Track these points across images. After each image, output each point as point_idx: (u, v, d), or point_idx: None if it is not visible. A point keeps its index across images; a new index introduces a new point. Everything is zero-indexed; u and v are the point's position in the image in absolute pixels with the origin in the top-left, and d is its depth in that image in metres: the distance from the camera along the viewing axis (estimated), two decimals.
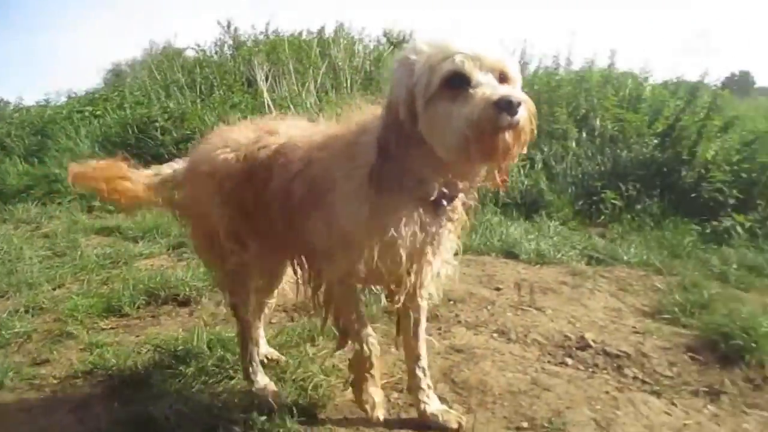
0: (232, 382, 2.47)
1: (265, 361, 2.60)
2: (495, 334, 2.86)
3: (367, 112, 1.90)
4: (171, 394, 2.39)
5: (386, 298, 2.17)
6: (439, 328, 2.90)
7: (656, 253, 4.21)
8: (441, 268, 1.95)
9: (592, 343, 2.74)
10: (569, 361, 2.64)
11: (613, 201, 5.29)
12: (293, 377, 2.48)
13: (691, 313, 3.08)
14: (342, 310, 2.02)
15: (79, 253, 4.61)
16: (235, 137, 2.18)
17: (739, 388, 2.44)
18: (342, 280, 1.93)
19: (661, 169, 5.67)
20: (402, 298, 1.97)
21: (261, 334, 2.67)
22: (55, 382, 2.66)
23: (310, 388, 2.37)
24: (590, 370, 2.56)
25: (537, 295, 3.31)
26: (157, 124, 7.33)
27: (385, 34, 10.98)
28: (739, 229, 4.68)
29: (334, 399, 2.33)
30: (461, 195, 1.80)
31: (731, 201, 5.09)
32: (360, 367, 2.06)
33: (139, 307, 3.44)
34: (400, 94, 1.62)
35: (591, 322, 3.03)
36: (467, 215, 1.91)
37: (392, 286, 1.97)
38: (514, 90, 1.53)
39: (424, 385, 2.17)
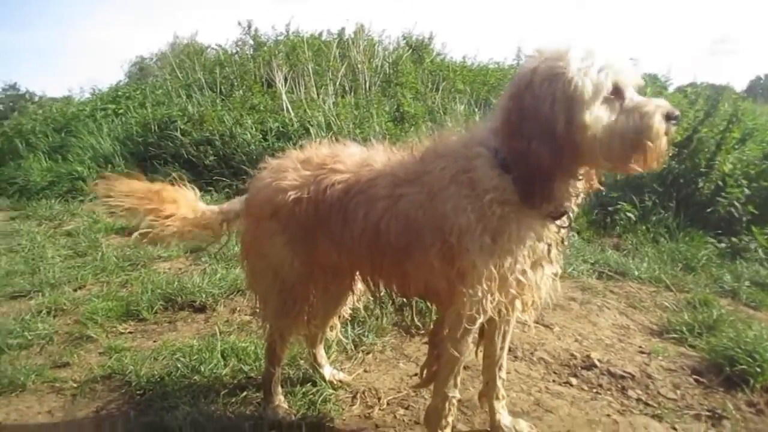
0: (245, 393, 2.54)
1: (334, 381, 2.62)
2: None
3: (446, 139, 1.91)
4: (186, 403, 2.46)
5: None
6: None
7: (669, 267, 4.21)
8: (552, 281, 1.93)
9: (597, 363, 2.78)
10: (574, 381, 2.68)
11: (628, 212, 5.28)
12: (303, 390, 2.55)
13: (698, 333, 3.09)
14: (452, 355, 1.93)
15: (100, 253, 4.74)
16: (294, 174, 2.11)
17: (742, 413, 2.46)
18: (469, 319, 1.83)
19: (677, 181, 5.63)
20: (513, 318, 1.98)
21: (323, 354, 2.67)
22: (74, 386, 2.76)
23: (319, 402, 2.44)
24: (594, 390, 2.60)
25: (545, 311, 3.34)
26: (177, 125, 7.43)
27: (404, 38, 11.01)
28: (754, 244, 4.66)
29: (342, 414, 2.40)
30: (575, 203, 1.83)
31: (748, 216, 5.06)
32: (435, 422, 2.05)
33: (156, 312, 3.54)
34: (555, 104, 1.60)
35: (598, 340, 3.07)
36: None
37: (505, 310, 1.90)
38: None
39: (501, 396, 2.20)
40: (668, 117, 1.61)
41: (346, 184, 1.99)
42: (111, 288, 4.00)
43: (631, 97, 1.63)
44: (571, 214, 1.81)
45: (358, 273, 2.19)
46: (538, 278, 1.84)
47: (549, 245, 1.81)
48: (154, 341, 3.19)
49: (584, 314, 3.38)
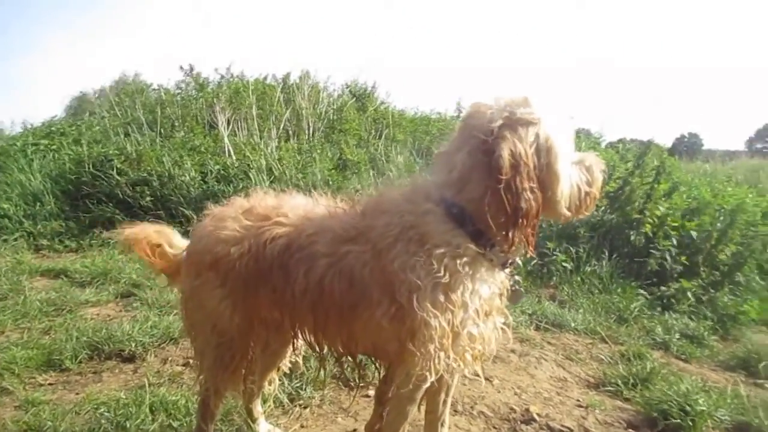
0: None
1: None
2: None
3: (389, 193, 1.88)
4: None
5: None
6: None
7: (604, 319, 4.31)
8: (502, 332, 1.91)
9: (536, 417, 2.78)
10: None
11: (563, 263, 5.40)
12: None
13: (633, 386, 3.15)
14: (399, 414, 1.92)
15: (22, 297, 4.46)
16: (234, 224, 2.04)
17: None
18: (419, 378, 1.79)
19: (610, 232, 5.83)
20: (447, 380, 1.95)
21: (260, 410, 2.56)
22: None
23: None
24: None
25: (485, 363, 3.33)
26: (113, 164, 7.21)
27: (348, 86, 11.16)
28: (685, 294, 4.84)
29: None
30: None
31: (678, 266, 5.26)
32: None
33: (81, 362, 3.34)
34: (520, 158, 1.61)
35: (537, 393, 3.07)
36: None
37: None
38: None
39: None
40: (604, 171, 1.81)
41: (287, 239, 1.92)
42: (32, 335, 3.75)
43: (577, 152, 1.77)
44: (518, 262, 1.85)
45: (300, 331, 2.10)
46: (489, 330, 1.81)
47: (500, 295, 1.83)
48: (77, 393, 2.99)
49: (523, 366, 3.39)
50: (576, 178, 1.74)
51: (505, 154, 1.59)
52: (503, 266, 1.78)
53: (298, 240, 1.90)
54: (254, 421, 2.52)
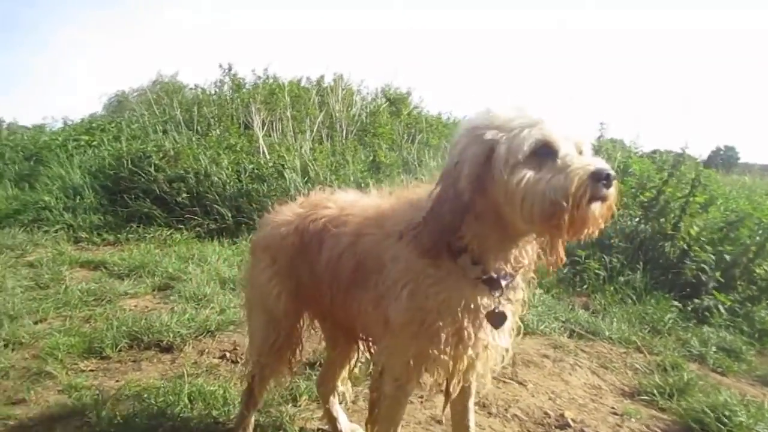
0: None
1: None
2: (476, 407, 2.86)
3: (421, 189, 1.84)
4: None
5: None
6: (421, 396, 2.90)
7: (637, 329, 4.26)
8: (498, 352, 1.81)
9: (571, 422, 2.76)
10: None
11: (596, 271, 5.36)
12: None
13: (669, 396, 3.11)
14: (388, 419, 1.92)
15: (63, 286, 4.58)
16: (289, 212, 2.21)
17: None
18: (397, 379, 1.83)
19: (644, 243, 5.77)
20: (455, 387, 1.87)
21: (338, 409, 2.58)
22: (30, 424, 2.62)
23: None
24: None
25: (519, 368, 3.34)
26: (151, 160, 7.35)
27: (383, 91, 11.23)
28: (720, 308, 4.77)
29: None
30: (522, 271, 1.72)
31: (712, 280, 5.18)
32: None
33: (120, 350, 3.41)
34: (465, 161, 1.55)
35: (571, 399, 3.06)
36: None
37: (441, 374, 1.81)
38: (606, 163, 1.50)
39: None
40: (596, 177, 1.43)
41: (328, 218, 2.03)
42: (73, 323, 3.84)
43: (565, 155, 1.49)
44: (505, 282, 1.67)
45: (320, 311, 2.23)
46: (479, 346, 1.73)
47: (494, 311, 1.69)
48: (117, 381, 3.07)
49: (557, 372, 3.38)
50: (537, 187, 1.46)
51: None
52: (488, 282, 1.65)
53: (335, 220, 2.00)
54: (334, 420, 2.55)
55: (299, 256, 2.09)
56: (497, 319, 1.70)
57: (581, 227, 1.49)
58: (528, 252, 1.70)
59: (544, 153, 1.49)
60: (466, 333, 1.69)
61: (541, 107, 1.57)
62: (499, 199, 1.54)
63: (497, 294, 1.67)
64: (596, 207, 1.47)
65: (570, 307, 4.70)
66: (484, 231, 1.61)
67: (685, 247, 5.51)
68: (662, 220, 5.81)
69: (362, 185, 6.85)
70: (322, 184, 6.64)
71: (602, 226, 1.54)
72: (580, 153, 1.57)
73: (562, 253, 1.73)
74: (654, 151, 10.72)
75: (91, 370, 3.22)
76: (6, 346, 3.44)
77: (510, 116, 1.55)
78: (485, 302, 1.68)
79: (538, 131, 1.50)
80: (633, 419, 2.87)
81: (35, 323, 3.85)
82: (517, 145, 1.49)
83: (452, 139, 1.68)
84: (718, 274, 5.15)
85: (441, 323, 1.66)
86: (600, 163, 1.47)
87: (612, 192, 1.47)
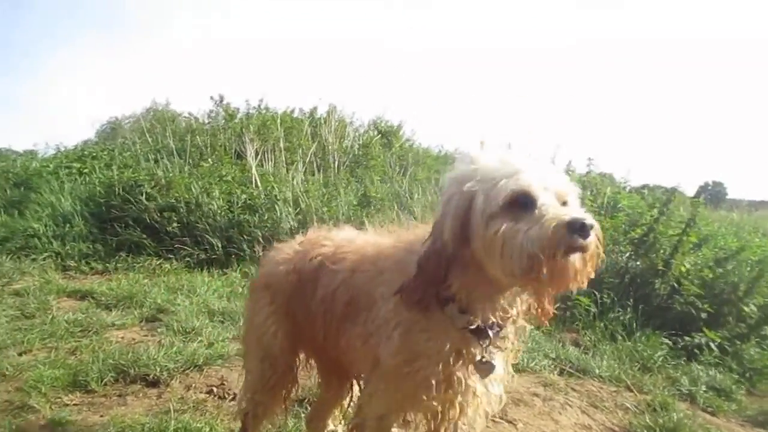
0: None
1: None
2: None
3: (420, 230, 1.79)
4: None
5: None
6: None
7: (628, 366, 4.25)
8: (491, 399, 1.77)
9: None
10: None
11: (587, 308, 5.35)
12: None
13: None
14: None
15: (49, 316, 4.52)
16: (288, 250, 2.24)
17: None
18: (381, 417, 1.80)
19: (634, 279, 5.79)
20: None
21: None
22: None
23: None
24: None
25: (509, 406, 3.31)
26: (143, 189, 7.34)
27: (375, 124, 11.33)
28: (710, 345, 4.77)
29: None
30: (512, 321, 1.68)
31: (703, 316, 5.20)
32: None
33: (106, 384, 3.36)
34: (448, 213, 1.55)
35: None
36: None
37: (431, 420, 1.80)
38: (585, 212, 1.46)
39: None
40: (571, 228, 1.38)
41: (324, 256, 2.04)
42: (59, 354, 3.79)
43: (542, 205, 1.45)
44: (493, 331, 1.63)
45: (315, 349, 2.23)
46: (469, 393, 1.71)
47: (481, 361, 1.66)
48: (101, 416, 3.02)
49: (547, 411, 3.36)
50: (515, 239, 1.42)
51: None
52: (476, 331, 1.62)
53: (332, 257, 2.02)
54: None
55: (297, 294, 2.10)
56: (484, 369, 1.67)
57: (562, 279, 1.45)
58: (517, 303, 1.67)
59: (522, 204, 1.46)
60: (455, 379, 1.67)
61: (525, 156, 1.56)
62: (479, 251, 1.51)
63: (485, 344, 1.64)
64: (575, 258, 1.42)
65: (560, 343, 4.69)
66: (470, 281, 1.58)
67: (675, 285, 5.53)
68: (653, 256, 5.84)
69: (353, 219, 6.87)
70: (313, 217, 6.67)
71: (587, 276, 1.49)
72: (564, 204, 1.54)
73: (548, 307, 1.70)
74: (643, 186, 10.82)
75: (75, 404, 3.17)
76: None
77: (491, 166, 1.53)
78: (473, 351, 1.65)
79: (515, 182, 1.47)
80: None
81: (20, 354, 3.80)
82: (494, 196, 1.47)
83: (441, 190, 1.67)
84: (707, 307, 5.17)
85: (431, 368, 1.64)
86: (576, 213, 1.44)
87: (590, 241, 1.42)
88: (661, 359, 4.48)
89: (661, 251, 5.89)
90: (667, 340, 4.92)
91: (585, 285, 1.50)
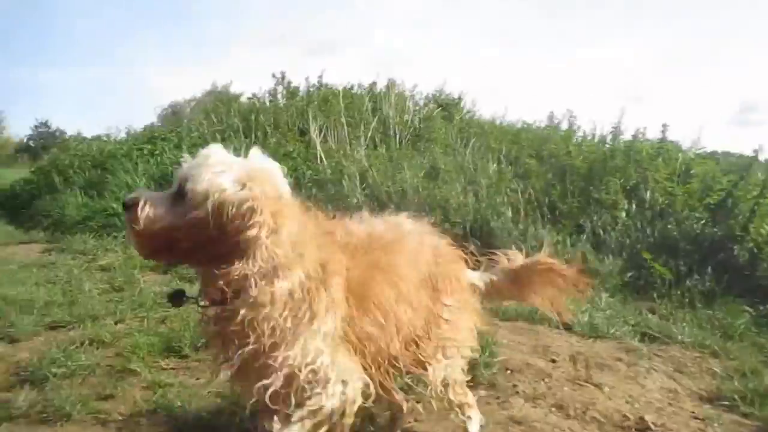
0: None
1: None
2: (553, 408, 2.85)
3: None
4: None
5: None
6: (498, 398, 2.92)
7: (708, 334, 4.15)
8: None
9: (652, 426, 2.71)
10: None
11: (662, 276, 5.23)
12: None
13: (751, 401, 3.02)
14: None
15: (137, 289, 4.77)
16: None
17: None
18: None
19: (712, 246, 5.61)
20: None
21: None
22: (120, 418, 2.74)
23: None
24: None
25: (593, 370, 3.29)
26: None
27: (434, 97, 11.25)
28: None
29: None
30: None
31: None
32: None
33: (198, 350, 3.51)
34: None
35: (648, 402, 3.00)
36: None
37: None
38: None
39: None
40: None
41: None
42: (150, 324, 4.01)
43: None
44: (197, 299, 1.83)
45: None
46: None
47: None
48: (198, 378, 3.17)
49: (632, 376, 3.32)
50: None
51: None
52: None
53: None
54: None
55: None
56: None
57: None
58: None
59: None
60: None
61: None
62: None
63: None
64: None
65: (637, 311, 4.61)
66: None
67: (755, 250, 5.34)
68: (731, 222, 5.65)
69: (420, 191, 6.88)
70: (381, 190, 6.73)
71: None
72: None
73: None
74: (713, 152, 10.42)
75: (172, 368, 3.34)
76: (90, 344, 3.60)
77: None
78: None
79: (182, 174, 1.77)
80: (716, 424, 2.80)
81: (115, 323, 4.03)
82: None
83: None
84: None
85: None
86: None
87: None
88: (743, 327, 4.34)
89: (740, 217, 5.70)
90: (748, 308, 4.77)
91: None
